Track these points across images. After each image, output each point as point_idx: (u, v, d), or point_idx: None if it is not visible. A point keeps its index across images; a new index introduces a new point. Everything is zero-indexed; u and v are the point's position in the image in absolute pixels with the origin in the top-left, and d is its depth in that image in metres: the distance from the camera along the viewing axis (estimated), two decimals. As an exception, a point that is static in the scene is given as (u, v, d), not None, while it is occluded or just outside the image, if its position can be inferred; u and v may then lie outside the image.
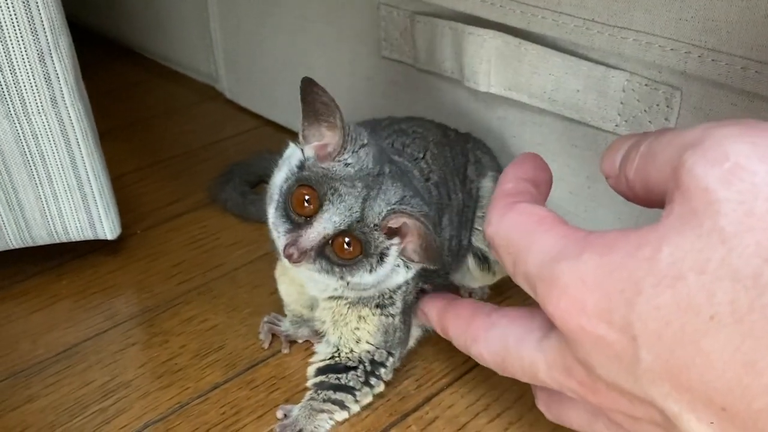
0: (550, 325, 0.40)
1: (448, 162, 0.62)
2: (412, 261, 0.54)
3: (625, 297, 0.31)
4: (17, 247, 0.72)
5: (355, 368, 0.59)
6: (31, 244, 0.72)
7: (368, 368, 0.59)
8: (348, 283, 0.53)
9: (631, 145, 0.37)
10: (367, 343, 0.58)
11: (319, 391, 0.59)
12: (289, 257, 0.50)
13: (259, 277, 0.73)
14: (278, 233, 0.53)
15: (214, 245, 0.80)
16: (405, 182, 0.54)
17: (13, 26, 0.60)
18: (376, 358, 0.59)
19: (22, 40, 0.61)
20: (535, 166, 0.46)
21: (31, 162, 0.66)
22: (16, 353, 0.65)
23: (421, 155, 0.60)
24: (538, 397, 0.48)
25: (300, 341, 0.66)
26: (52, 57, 0.63)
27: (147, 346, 0.66)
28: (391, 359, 0.59)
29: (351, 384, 0.58)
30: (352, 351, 0.59)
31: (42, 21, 0.61)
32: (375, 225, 0.51)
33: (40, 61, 0.62)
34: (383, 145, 0.57)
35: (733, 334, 0.28)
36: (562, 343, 0.38)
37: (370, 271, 0.53)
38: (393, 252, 0.53)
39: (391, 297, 0.57)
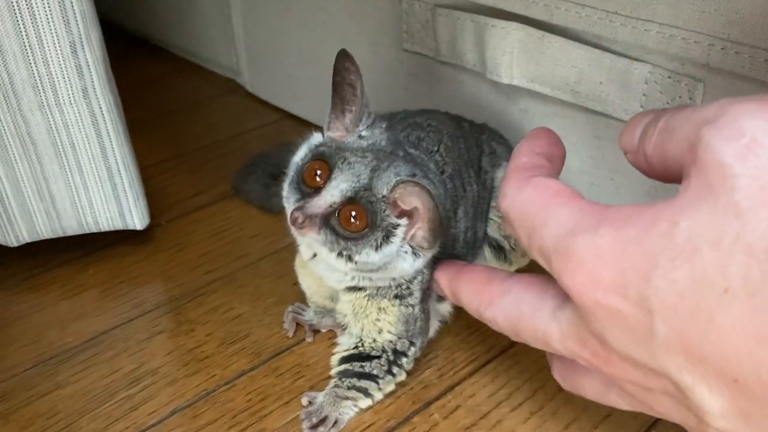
0: (564, 296, 0.40)
1: (462, 154, 0.63)
2: (422, 248, 0.54)
3: (641, 271, 0.31)
4: (47, 237, 0.73)
5: (378, 357, 0.59)
6: (61, 234, 0.73)
7: (391, 357, 0.59)
8: (356, 264, 0.53)
9: (649, 120, 0.37)
10: (389, 333, 0.59)
11: (343, 379, 0.59)
12: (294, 222, 0.51)
13: (282, 268, 0.73)
14: (288, 204, 0.54)
15: (238, 236, 0.81)
16: (418, 168, 0.55)
17: (47, 18, 0.61)
18: (398, 347, 0.59)
19: (55, 32, 0.62)
20: (550, 141, 0.46)
21: (62, 152, 0.68)
22: (46, 341, 0.67)
23: (436, 148, 0.60)
24: (553, 367, 0.48)
25: (323, 330, 0.67)
26: (84, 48, 0.64)
27: (173, 334, 0.67)
28: (413, 349, 0.60)
29: (374, 372, 0.59)
30: (374, 341, 0.59)
31: (75, 13, 0.62)
32: (383, 196, 0.52)
33: (72, 52, 0.63)
34: (400, 138, 0.58)
35: (746, 307, 0.28)
36: (576, 314, 0.38)
37: (376, 248, 0.52)
38: (400, 232, 0.53)
39: (408, 287, 0.58)
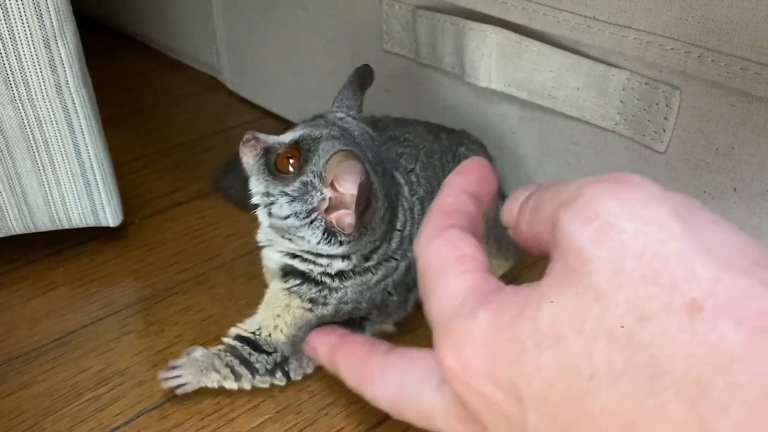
0: None
1: (437, 173, 0.62)
2: (343, 231, 0.53)
3: (510, 358, 0.31)
4: (19, 233, 0.72)
5: (268, 354, 0.59)
6: (33, 230, 0.72)
7: (279, 359, 0.59)
8: (271, 215, 0.55)
9: (525, 197, 0.37)
10: (281, 332, 0.58)
11: (227, 354, 0.59)
12: (244, 139, 0.56)
13: (256, 269, 0.71)
14: None
15: (213, 236, 0.80)
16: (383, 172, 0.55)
17: (19, 11, 0.60)
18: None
19: (28, 26, 0.61)
20: (480, 178, 0.43)
21: (34, 148, 0.67)
22: (13, 339, 0.66)
23: (412, 166, 0.60)
24: None
25: (296, 333, 0.67)
26: (57, 43, 0.63)
27: (143, 334, 0.67)
28: (304, 360, 0.60)
29: (257, 366, 0.59)
30: (270, 336, 0.59)
31: (48, 7, 0.61)
32: (321, 159, 0.53)
33: (45, 46, 0.62)
34: (389, 160, 0.58)
35: (612, 394, 0.28)
36: None
37: (291, 200, 0.53)
38: (317, 196, 0.53)
39: (326, 297, 0.57)
